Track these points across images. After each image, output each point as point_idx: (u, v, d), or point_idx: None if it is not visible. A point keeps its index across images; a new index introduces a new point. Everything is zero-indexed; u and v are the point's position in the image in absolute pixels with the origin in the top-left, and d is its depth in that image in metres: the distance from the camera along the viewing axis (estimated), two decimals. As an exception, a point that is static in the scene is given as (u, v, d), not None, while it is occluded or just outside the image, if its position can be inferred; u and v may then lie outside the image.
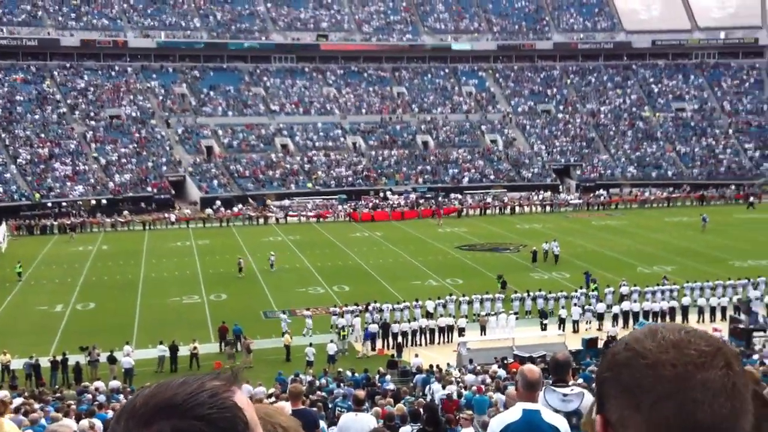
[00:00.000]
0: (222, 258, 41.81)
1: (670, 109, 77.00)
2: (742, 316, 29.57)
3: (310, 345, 27.21)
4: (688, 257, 40.95)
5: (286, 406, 7.92)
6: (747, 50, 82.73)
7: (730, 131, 72.84)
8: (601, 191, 62.87)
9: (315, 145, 67.76)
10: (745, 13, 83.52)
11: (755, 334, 28.24)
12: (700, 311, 31.57)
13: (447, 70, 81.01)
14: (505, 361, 24.69)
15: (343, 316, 29.96)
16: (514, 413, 4.15)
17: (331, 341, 27.52)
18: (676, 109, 77.04)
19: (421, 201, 58.82)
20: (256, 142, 67.11)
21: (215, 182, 60.92)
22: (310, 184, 61.43)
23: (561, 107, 77.23)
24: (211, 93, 72.50)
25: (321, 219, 54.49)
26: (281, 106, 72.73)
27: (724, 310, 31.58)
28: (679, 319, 31.15)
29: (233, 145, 66.31)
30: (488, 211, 57.72)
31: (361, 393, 12.22)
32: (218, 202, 56.88)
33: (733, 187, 63.06)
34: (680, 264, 39.33)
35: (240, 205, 56.57)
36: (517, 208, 58.51)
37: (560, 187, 65.01)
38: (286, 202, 57.51)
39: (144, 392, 1.16)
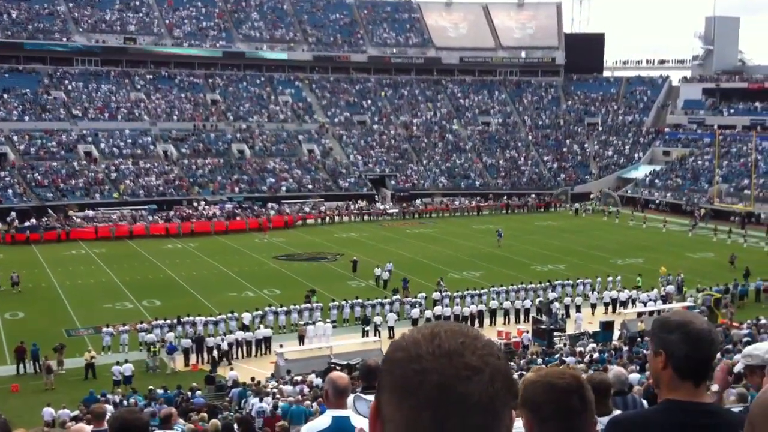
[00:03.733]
0: (19, 273, 38.39)
1: (477, 123, 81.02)
2: (544, 317, 31.37)
3: (117, 363, 25.75)
4: (493, 262, 43.02)
5: (86, 429, 7.35)
6: (545, 69, 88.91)
7: (531, 144, 77.79)
8: (417, 201, 64.79)
9: (122, 153, 64.36)
10: (543, 35, 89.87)
11: (555, 333, 30.09)
12: (506, 313, 33.14)
13: (263, 79, 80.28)
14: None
15: (152, 332, 28.59)
16: (324, 420, 4.06)
17: (126, 361, 26.11)
18: (482, 122, 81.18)
19: (238, 211, 57.56)
20: (56, 149, 62.67)
21: (10, 192, 56.12)
22: (116, 194, 58.16)
23: (376, 119, 78.91)
24: (5, 96, 67.00)
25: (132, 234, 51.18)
26: (84, 111, 68.59)
27: (527, 311, 33.35)
28: (487, 321, 32.56)
29: (30, 152, 61.50)
30: (309, 221, 57.47)
31: (166, 411, 11.56)
32: (13, 213, 52.39)
33: (533, 196, 67.27)
34: (487, 269, 41.23)
35: (34, 220, 52.10)
36: (335, 218, 58.83)
37: (376, 196, 66.25)
38: (90, 213, 54.05)
39: None
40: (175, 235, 50.90)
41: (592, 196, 67.46)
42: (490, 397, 1.19)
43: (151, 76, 75.99)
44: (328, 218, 58.49)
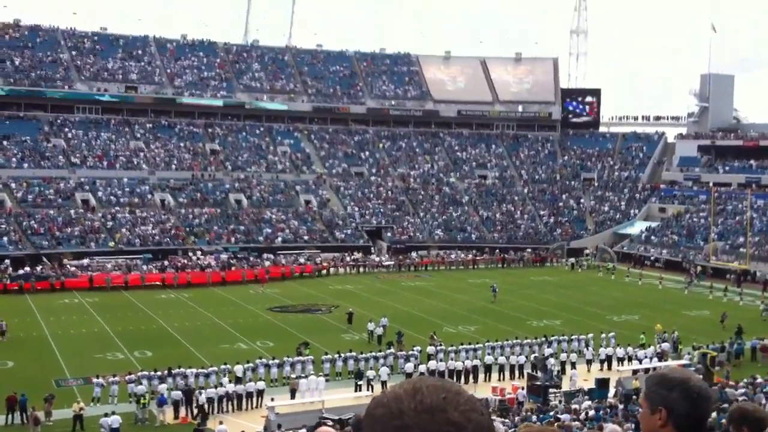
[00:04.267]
0: (9, 322, 38.03)
1: (474, 176, 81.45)
2: (539, 373, 31.05)
3: (106, 415, 25.38)
4: (489, 317, 42.82)
5: None
6: (542, 123, 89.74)
7: (527, 198, 78.11)
8: (413, 253, 64.73)
9: (119, 201, 64.48)
10: (539, 90, 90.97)
11: (551, 390, 29.75)
12: (501, 369, 32.82)
13: (262, 129, 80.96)
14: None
15: (141, 383, 28.25)
16: None
17: (113, 413, 25.74)
18: (479, 176, 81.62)
19: (233, 261, 57.42)
20: (53, 197, 62.78)
21: (5, 239, 56.00)
22: (112, 243, 58.05)
23: (374, 170, 79.35)
24: (5, 143, 67.41)
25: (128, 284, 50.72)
26: (83, 159, 68.94)
27: (522, 367, 33.04)
28: (482, 377, 32.27)
29: (27, 200, 61.61)
30: (306, 273, 57.18)
31: None
32: (7, 261, 52.22)
33: (529, 250, 67.28)
34: (482, 323, 41.01)
35: (28, 268, 51.86)
36: (331, 269, 58.64)
37: (372, 248, 66.20)
38: (85, 262, 53.86)
39: None
40: (171, 286, 50.61)
41: (587, 251, 67.46)
42: None
43: (151, 125, 76.60)
44: (325, 271, 58.26)
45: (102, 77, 77.04)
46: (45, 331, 37.66)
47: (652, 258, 64.25)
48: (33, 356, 33.42)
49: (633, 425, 18.25)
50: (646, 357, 33.79)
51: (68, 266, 52.49)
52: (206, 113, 79.69)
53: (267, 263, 57.59)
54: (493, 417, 26.12)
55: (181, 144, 75.30)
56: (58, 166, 66.77)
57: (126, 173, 68.43)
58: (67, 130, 71.98)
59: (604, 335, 35.95)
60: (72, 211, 61.09)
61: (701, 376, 2.93)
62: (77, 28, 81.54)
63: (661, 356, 34.35)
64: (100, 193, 64.70)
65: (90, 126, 73.68)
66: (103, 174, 67.46)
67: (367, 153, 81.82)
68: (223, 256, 57.91)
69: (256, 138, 79.53)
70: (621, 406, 26.04)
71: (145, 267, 54.05)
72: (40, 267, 52.13)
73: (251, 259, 58.51)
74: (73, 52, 78.33)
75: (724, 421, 17.77)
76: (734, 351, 35.00)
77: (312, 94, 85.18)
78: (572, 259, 64.39)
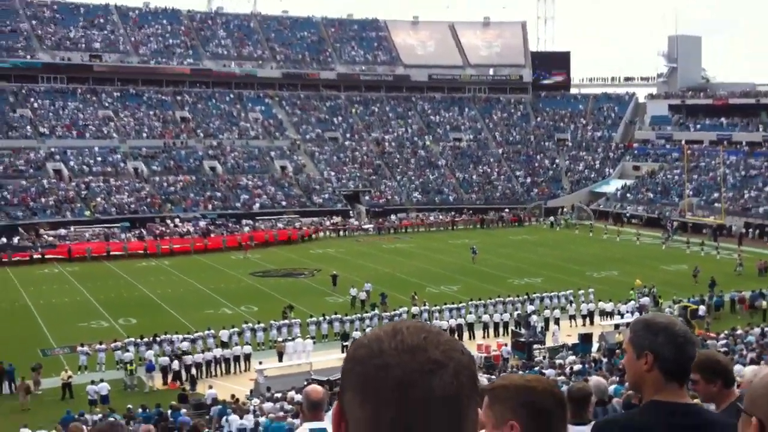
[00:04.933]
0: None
1: (449, 139, 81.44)
2: (523, 330, 31.40)
3: (92, 383, 25.22)
4: (471, 276, 43.08)
5: None
6: (513, 86, 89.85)
7: (503, 160, 78.36)
8: (392, 216, 64.75)
9: (92, 171, 63.45)
10: (509, 53, 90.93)
11: (535, 346, 30.11)
12: (485, 327, 33.12)
13: (232, 96, 79.96)
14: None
15: (127, 350, 28.08)
16: None
17: (101, 380, 25.60)
18: (454, 138, 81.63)
19: (212, 228, 56.99)
20: (24, 167, 61.59)
21: (-23, 211, 54.96)
22: (88, 212, 57.24)
23: (348, 135, 78.93)
24: (-30, 114, 65.91)
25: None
26: (51, 129, 67.60)
27: (506, 325, 33.37)
28: (466, 335, 32.55)
29: (-2, 171, 60.44)
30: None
31: (145, 428, 11.38)
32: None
33: (507, 210, 67.66)
34: (464, 283, 41.26)
35: (4, 239, 50.94)
36: (314, 234, 58.26)
37: (351, 212, 66.11)
38: (62, 231, 53.09)
39: None
40: (154, 254, 49.85)
41: (564, 209, 67.96)
42: (455, 391, 1.17)
43: (118, 94, 75.26)
44: (312, 235, 57.73)
45: (65, 46, 75.39)
46: (27, 301, 37.17)
47: (628, 215, 64.97)
48: (17, 326, 32.97)
49: (617, 378, 18.47)
50: (627, 312, 34.28)
51: (45, 236, 51.68)
52: (174, 81, 78.41)
53: (246, 229, 57.25)
54: (480, 374, 26.46)
55: (151, 112, 74.15)
56: (26, 137, 65.42)
57: (96, 142, 67.28)
58: (32, 99, 70.43)
59: (582, 291, 36.42)
60: (45, 181, 60.04)
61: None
62: (35, -3, 79.40)
63: (641, 310, 34.84)
64: (71, 163, 63.58)
65: (56, 95, 72.19)
66: (73, 143, 66.28)
67: (340, 118, 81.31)
68: (202, 223, 57.49)
69: (226, 105, 78.58)
70: (605, 360, 26.43)
71: (123, 235, 53.43)
72: (17, 238, 51.25)
73: (230, 225, 58.13)
74: (33, 21, 76.38)
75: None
76: (713, 303, 35.63)
77: (280, 61, 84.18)
78: (551, 218, 64.90)
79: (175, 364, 27.73)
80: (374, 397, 1.17)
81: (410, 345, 1.19)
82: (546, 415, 2.16)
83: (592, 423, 3.19)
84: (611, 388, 14.85)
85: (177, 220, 58.01)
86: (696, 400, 2.79)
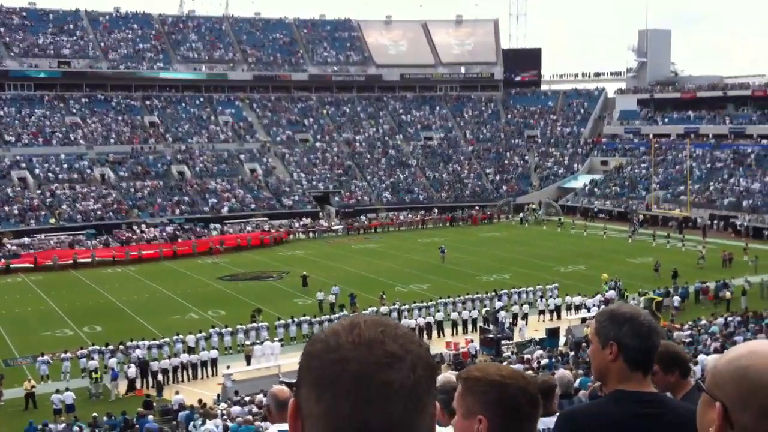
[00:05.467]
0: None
1: (420, 138, 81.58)
2: (491, 327, 31.57)
3: (57, 392, 24.97)
4: (440, 274, 43.18)
5: None
6: (485, 84, 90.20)
7: (473, 158, 78.64)
8: (362, 216, 64.71)
9: (58, 178, 62.77)
10: (481, 51, 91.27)
11: (503, 342, 30.30)
12: (454, 324, 33.27)
13: (202, 100, 79.50)
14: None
15: (92, 358, 27.81)
16: None
17: (67, 389, 25.36)
18: (425, 137, 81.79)
19: (179, 233, 56.57)
20: (-11, 176, 60.85)
21: (-60, 221, 54.16)
22: (53, 220, 56.60)
23: (318, 136, 78.78)
24: (-65, 123, 64.94)
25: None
26: (17, 137, 66.79)
27: (474, 321, 33.53)
28: (435, 333, 32.70)
29: (-39, 180, 59.59)
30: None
31: None
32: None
33: (477, 208, 67.91)
34: (433, 281, 41.34)
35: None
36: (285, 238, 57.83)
37: (320, 213, 65.98)
38: (26, 240, 52.42)
39: None
40: (122, 261, 49.03)
41: (531, 205, 68.29)
42: (412, 384, 1.17)
43: (86, 100, 74.55)
44: (286, 238, 57.23)
45: (33, 53, 74.51)
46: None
47: (596, 210, 65.47)
48: (-23, 337, 32.57)
49: (583, 371, 18.63)
50: (594, 305, 34.56)
51: (8, 245, 50.99)
52: (143, 86, 77.83)
53: (215, 233, 56.91)
54: (449, 371, 26.55)
55: (119, 118, 73.55)
56: (-9, 145, 64.63)
57: (63, 149, 66.62)
58: (-2, 107, 69.63)
59: (549, 286, 36.70)
60: (9, 190, 59.29)
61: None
62: (4, 4, 78.33)
63: (607, 304, 35.15)
64: (37, 170, 62.87)
65: (23, 103, 71.36)
66: (39, 151, 65.57)
67: (311, 119, 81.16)
68: (169, 229, 57.02)
69: (196, 108, 78.12)
70: (572, 354, 26.67)
71: (89, 243, 52.87)
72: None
73: (198, 230, 57.73)
74: (1, 29, 75.42)
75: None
76: (679, 295, 36.04)
77: (252, 63, 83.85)
78: (521, 214, 65.25)
79: (131, 371, 27.42)
80: (331, 392, 1.16)
81: (367, 338, 1.18)
82: (516, 413, 2.16)
83: (557, 414, 3.23)
84: (578, 381, 14.98)
85: (143, 226, 57.49)
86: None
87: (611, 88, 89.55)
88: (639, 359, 2.58)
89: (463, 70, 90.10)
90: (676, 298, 35.21)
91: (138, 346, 29.07)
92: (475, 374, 2.25)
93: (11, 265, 47.34)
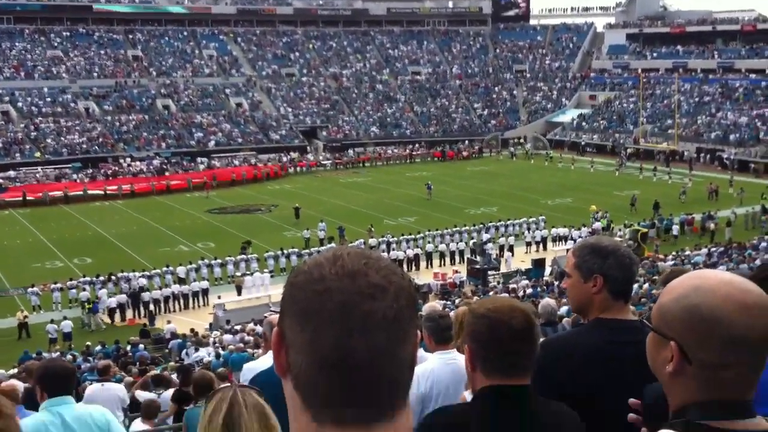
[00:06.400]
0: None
1: (407, 73, 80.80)
2: (478, 258, 31.98)
3: (51, 322, 25.23)
4: (427, 208, 43.37)
5: (18, 386, 7.38)
6: (473, 18, 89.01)
7: (461, 93, 78.13)
8: (350, 151, 64.50)
9: (42, 112, 61.90)
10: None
11: (490, 272, 30.74)
12: (442, 256, 33.64)
13: (185, 34, 78.08)
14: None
15: (83, 289, 28.01)
16: (265, 361, 4.15)
17: (65, 318, 25.64)
18: (412, 72, 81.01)
19: (166, 167, 56.29)
20: (-29, 110, 60.00)
21: (-77, 155, 53.55)
22: (38, 154, 56.08)
23: (305, 71, 77.85)
24: None
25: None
26: (-1, 71, 65.71)
27: (462, 253, 33.94)
28: (423, 264, 33.10)
29: (-57, 114, 58.71)
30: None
31: (104, 363, 11.48)
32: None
33: (466, 142, 67.79)
34: (421, 214, 41.57)
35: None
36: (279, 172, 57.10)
37: (308, 148, 65.68)
38: (12, 173, 52.03)
39: None
40: (115, 196, 48.31)
41: (519, 139, 68.10)
42: (395, 314, 1.18)
43: (68, 33, 73.03)
44: (280, 173, 56.48)
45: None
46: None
47: (583, 143, 65.51)
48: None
49: (567, 300, 18.91)
50: (580, 237, 34.93)
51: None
52: (125, 19, 76.21)
53: (202, 167, 56.62)
54: (436, 300, 26.90)
55: (102, 51, 72.22)
56: (-28, 79, 63.51)
57: (46, 83, 65.56)
58: (-22, 41, 68.17)
59: (535, 219, 37.00)
60: (-8, 123, 58.59)
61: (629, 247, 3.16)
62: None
63: (594, 235, 35.58)
64: (20, 104, 61.98)
65: (2, 36, 69.86)
66: (21, 84, 64.53)
67: (296, 54, 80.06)
68: (156, 162, 56.69)
69: (179, 42, 76.77)
70: (557, 284, 27.05)
71: (75, 176, 52.51)
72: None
73: (185, 163, 57.42)
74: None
75: (654, 291, 18.64)
76: (663, 226, 36.49)
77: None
78: (511, 149, 65.17)
79: (113, 301, 27.62)
80: (314, 322, 1.17)
81: (350, 270, 1.19)
82: (496, 344, 2.23)
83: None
84: (562, 309, 15.25)
85: (129, 160, 57.08)
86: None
87: (600, 22, 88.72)
88: (621, 290, 2.69)
89: (450, 4, 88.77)
90: (675, 228, 35.88)
91: (129, 278, 29.25)
92: (469, 308, 2.37)
93: (1, 200, 46.82)
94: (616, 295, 2.67)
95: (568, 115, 72.37)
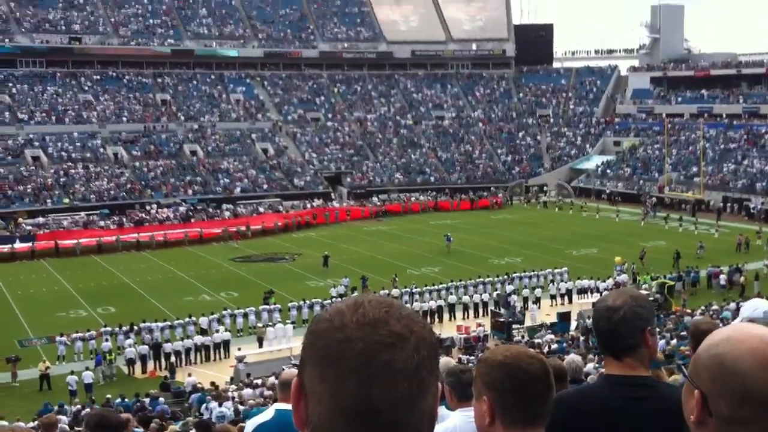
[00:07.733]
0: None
1: (431, 117, 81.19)
2: (502, 310, 31.63)
3: (72, 373, 25.24)
4: (451, 257, 43.17)
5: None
6: (496, 61, 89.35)
7: (484, 138, 78.25)
8: (375, 198, 64.46)
9: (71, 157, 62.95)
10: (492, 27, 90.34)
11: (514, 326, 30.38)
12: (465, 308, 33.34)
13: (213, 77, 79.30)
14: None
15: (105, 340, 28.10)
16: (267, 414, 4.09)
17: (87, 368, 25.66)
18: (436, 117, 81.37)
19: (192, 213, 56.69)
20: (2, 155, 61.01)
21: (-45, 200, 54.48)
22: (66, 200, 56.88)
23: (330, 115, 78.50)
24: (-53, 100, 65.10)
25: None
26: (30, 115, 66.92)
27: (486, 305, 33.61)
28: (447, 316, 32.83)
29: (-25, 159, 59.83)
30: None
31: (125, 416, 11.39)
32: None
33: (493, 189, 67.50)
34: (445, 264, 41.38)
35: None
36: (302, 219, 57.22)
37: (332, 194, 65.93)
38: (41, 220, 52.68)
39: None
40: (148, 245, 48.04)
41: (545, 188, 67.85)
42: (416, 364, 1.18)
43: (98, 77, 74.50)
44: (307, 219, 56.39)
45: (43, 29, 74.26)
46: (4, 291, 37.00)
47: (608, 192, 65.10)
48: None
49: (595, 356, 18.63)
50: (605, 289, 34.50)
51: (23, 225, 51.23)
52: (154, 63, 77.61)
53: (227, 214, 56.97)
54: (459, 355, 26.63)
55: (131, 95, 73.46)
56: (4, 123, 64.73)
57: (76, 127, 66.67)
58: (11, 85, 69.61)
59: (558, 270, 36.65)
60: (23, 169, 59.55)
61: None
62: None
63: (618, 287, 35.12)
64: (50, 149, 63.06)
65: (35, 80, 71.40)
66: (52, 129, 65.62)
67: (322, 98, 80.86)
68: (182, 209, 57.12)
69: (207, 86, 77.92)
70: (582, 339, 26.68)
71: (102, 222, 53.02)
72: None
73: (210, 210, 57.80)
74: (11, 4, 75.21)
75: (682, 348, 18.30)
76: (690, 279, 35.95)
77: (262, 39, 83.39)
78: (543, 198, 64.81)
79: (132, 351, 27.74)
80: (335, 371, 1.16)
81: (372, 318, 1.19)
82: (518, 392, 2.18)
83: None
84: (589, 367, 14.99)
85: (156, 206, 57.62)
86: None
87: (624, 65, 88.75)
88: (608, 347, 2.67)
89: (474, 46, 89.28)
90: (722, 277, 35.39)
91: (151, 328, 29.31)
92: (482, 356, 2.31)
93: (35, 250, 46.51)
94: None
95: (593, 162, 72.08)
